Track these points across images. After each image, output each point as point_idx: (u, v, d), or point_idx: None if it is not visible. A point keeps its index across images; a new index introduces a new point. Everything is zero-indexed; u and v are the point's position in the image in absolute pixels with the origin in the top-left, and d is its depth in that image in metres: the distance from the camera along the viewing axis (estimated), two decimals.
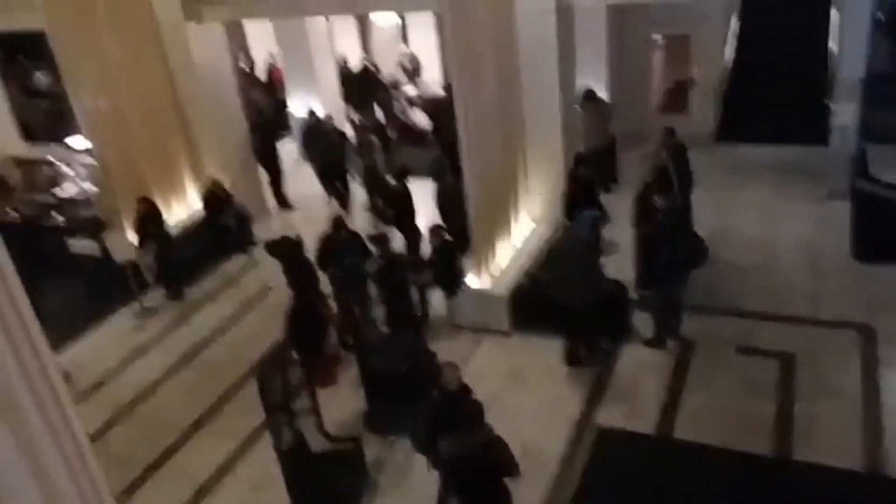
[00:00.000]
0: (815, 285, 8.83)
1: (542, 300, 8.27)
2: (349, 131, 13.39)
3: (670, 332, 8.13)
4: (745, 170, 11.62)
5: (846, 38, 10.75)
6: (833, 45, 11.53)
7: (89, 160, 10.75)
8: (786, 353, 7.75)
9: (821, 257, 9.33)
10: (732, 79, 12.47)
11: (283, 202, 12.91)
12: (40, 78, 17.61)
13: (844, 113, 10.59)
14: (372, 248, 8.50)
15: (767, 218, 10.41)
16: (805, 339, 7.92)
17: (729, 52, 12.58)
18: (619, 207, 9.51)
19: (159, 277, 10.49)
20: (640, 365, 7.96)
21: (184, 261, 10.64)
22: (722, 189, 10.97)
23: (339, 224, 8.78)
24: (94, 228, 11.01)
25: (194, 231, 11.29)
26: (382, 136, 13.20)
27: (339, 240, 8.65)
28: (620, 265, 8.89)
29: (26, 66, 18.53)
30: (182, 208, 11.57)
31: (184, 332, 9.77)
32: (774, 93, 11.91)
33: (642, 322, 8.33)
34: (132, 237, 10.44)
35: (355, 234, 8.90)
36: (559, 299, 7.75)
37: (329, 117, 12.87)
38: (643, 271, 8.60)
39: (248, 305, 10.10)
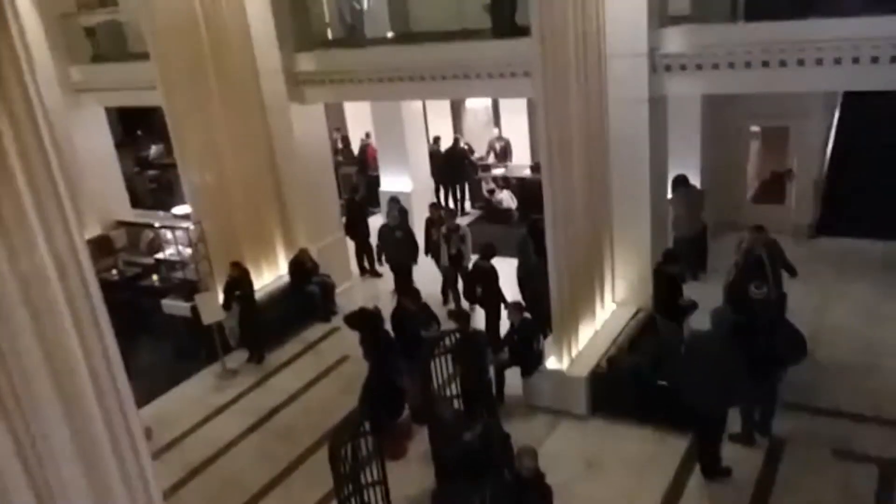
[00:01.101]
0: None
1: (623, 385, 7.99)
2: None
3: (760, 429, 7.65)
4: (846, 264, 11.10)
5: None
6: None
7: (189, 226, 11.31)
8: (887, 460, 7.17)
9: None
10: (834, 171, 12.09)
11: (370, 271, 13.22)
12: (154, 150, 18.94)
13: None
14: (452, 323, 8.47)
15: (870, 316, 9.81)
16: None
17: (831, 145, 12.25)
18: (708, 296, 9.16)
19: (242, 340, 10.77)
20: (727, 462, 7.47)
21: (266, 325, 10.89)
22: (821, 284, 10.47)
23: (411, 296, 8.85)
24: (187, 290, 11.46)
25: (280, 297, 11.59)
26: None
27: (409, 312, 8.68)
28: None
29: (142, 139, 20.00)
30: (271, 275, 11.94)
31: (261, 394, 9.91)
32: (879, 187, 11.44)
33: (731, 416, 7.87)
34: (221, 300, 10.80)
35: (425, 307, 8.92)
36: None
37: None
38: None
39: (325, 373, 10.19)
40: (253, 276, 11.09)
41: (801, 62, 8.04)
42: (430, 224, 11.82)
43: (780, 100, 11.18)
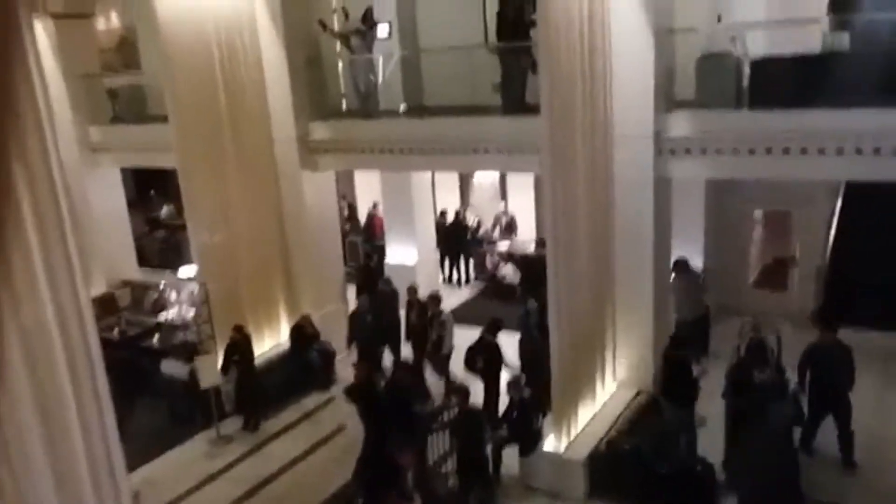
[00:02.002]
0: None
1: (622, 469, 7.82)
2: None
3: None
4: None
5: None
6: None
7: (194, 288, 11.34)
8: None
9: None
10: (836, 259, 12.12)
11: None
12: (165, 210, 19.17)
13: None
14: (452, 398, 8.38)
15: (877, 411, 9.63)
16: None
17: (833, 233, 12.33)
18: (710, 380, 9.08)
19: (238, 406, 10.64)
20: None
21: (264, 391, 10.77)
22: None
23: (403, 368, 8.80)
24: (187, 352, 11.39)
25: (279, 363, 11.50)
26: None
27: (403, 386, 8.62)
28: (710, 440, 8.38)
29: (154, 199, 20.28)
30: (272, 340, 11.88)
31: (255, 462, 9.72)
32: (880, 279, 11.45)
33: None
34: (219, 364, 10.72)
35: (421, 381, 8.85)
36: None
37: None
38: (729, 450, 8.09)
39: (321, 443, 10.01)
40: (254, 341, 11.03)
41: (804, 151, 8.20)
42: (410, 308, 11.47)
43: (783, 186, 11.32)
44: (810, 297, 12.21)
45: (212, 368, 10.27)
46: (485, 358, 9.75)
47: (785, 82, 8.57)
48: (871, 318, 11.10)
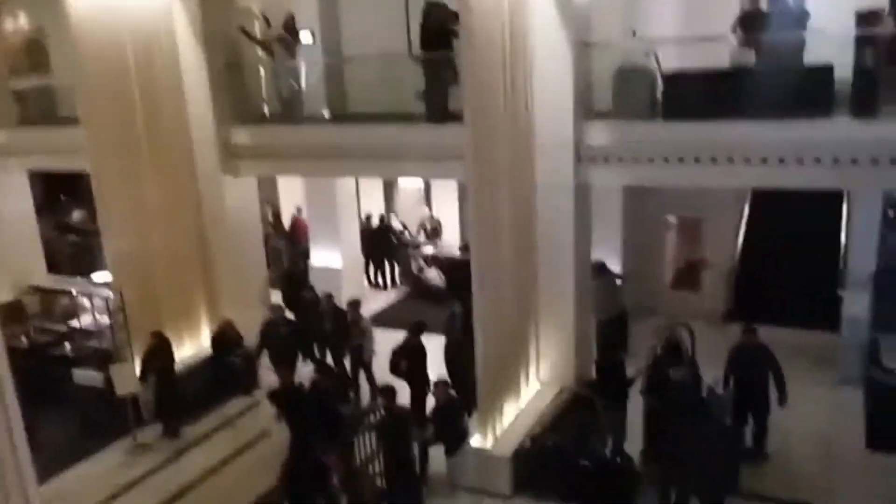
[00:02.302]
0: (829, 476, 8.52)
1: (546, 464, 8.05)
2: None
3: None
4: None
5: (856, 231, 11.12)
6: (843, 237, 11.92)
7: (108, 294, 10.98)
8: None
9: (835, 446, 9.08)
10: (744, 261, 12.78)
11: None
12: (76, 215, 18.44)
13: (855, 302, 10.73)
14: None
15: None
16: None
17: (741, 237, 12.99)
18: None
19: (157, 413, 10.36)
20: None
21: (184, 398, 10.51)
22: None
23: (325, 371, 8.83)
24: (101, 360, 11.03)
25: (200, 369, 11.23)
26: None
27: (324, 388, 8.66)
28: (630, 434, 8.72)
29: (65, 203, 19.48)
30: (193, 346, 11.61)
31: (174, 471, 9.49)
32: (786, 278, 12.14)
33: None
34: (137, 371, 10.43)
35: (341, 382, 8.88)
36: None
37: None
38: (647, 443, 8.42)
39: (243, 449, 9.86)
40: (174, 347, 10.76)
41: (714, 160, 8.64)
42: (325, 316, 11.29)
43: (695, 193, 11.86)
44: (721, 297, 12.82)
45: (128, 376, 9.98)
46: (409, 360, 9.83)
47: (696, 95, 8.97)
48: (777, 316, 11.74)
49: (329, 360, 11.20)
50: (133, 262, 10.97)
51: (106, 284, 11.87)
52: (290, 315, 11.68)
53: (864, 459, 8.85)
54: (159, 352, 10.32)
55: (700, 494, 7.60)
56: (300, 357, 11.04)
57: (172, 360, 10.56)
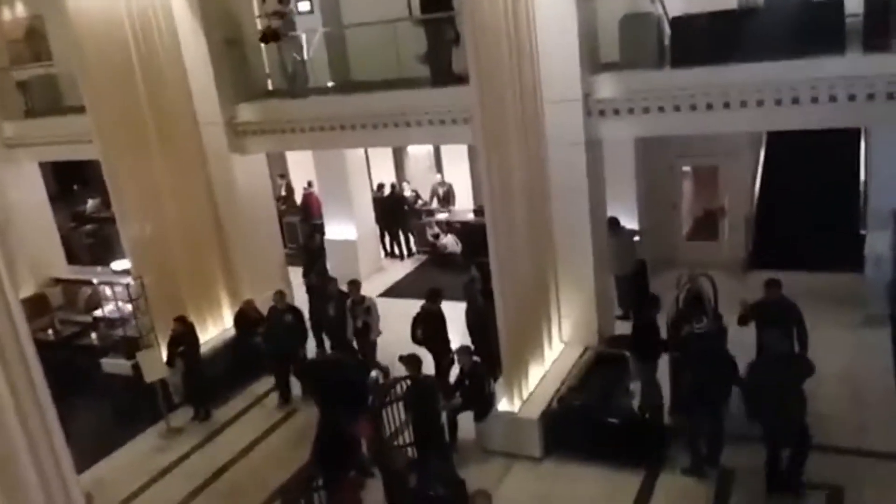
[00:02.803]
0: (859, 415, 8.49)
1: (575, 424, 8.07)
2: None
3: (709, 461, 7.80)
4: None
5: (876, 168, 10.91)
6: (863, 175, 11.70)
7: (129, 281, 11.06)
8: (833, 486, 7.40)
9: (864, 386, 9.02)
10: (762, 207, 12.59)
11: None
12: (91, 204, 18.53)
13: (878, 240, 10.57)
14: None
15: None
16: (852, 471, 7.58)
17: (758, 183, 12.79)
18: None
19: (187, 397, 10.50)
20: (679, 496, 7.62)
21: (212, 380, 10.63)
22: None
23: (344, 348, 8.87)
24: (128, 348, 11.16)
25: (225, 351, 11.35)
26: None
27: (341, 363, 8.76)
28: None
29: (78, 193, 19.57)
30: (216, 328, 11.71)
31: (208, 453, 9.65)
32: (805, 221, 11.97)
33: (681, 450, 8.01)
34: (164, 356, 10.54)
35: (355, 355, 8.92)
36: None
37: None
38: (674, 397, 8.39)
39: (274, 427, 9.99)
40: (198, 331, 10.85)
41: (726, 105, 8.46)
42: (328, 300, 10.90)
43: (709, 140, 11.65)
44: (741, 245, 12.66)
45: (156, 362, 10.10)
46: (425, 327, 9.85)
47: (704, 39, 8.79)
48: (799, 260, 11.60)
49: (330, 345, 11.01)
50: (150, 247, 11.03)
51: (126, 272, 11.96)
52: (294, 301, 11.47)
53: (894, 399, 8.77)
54: (184, 336, 10.41)
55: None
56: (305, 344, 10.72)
57: (198, 343, 10.66)
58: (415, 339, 9.81)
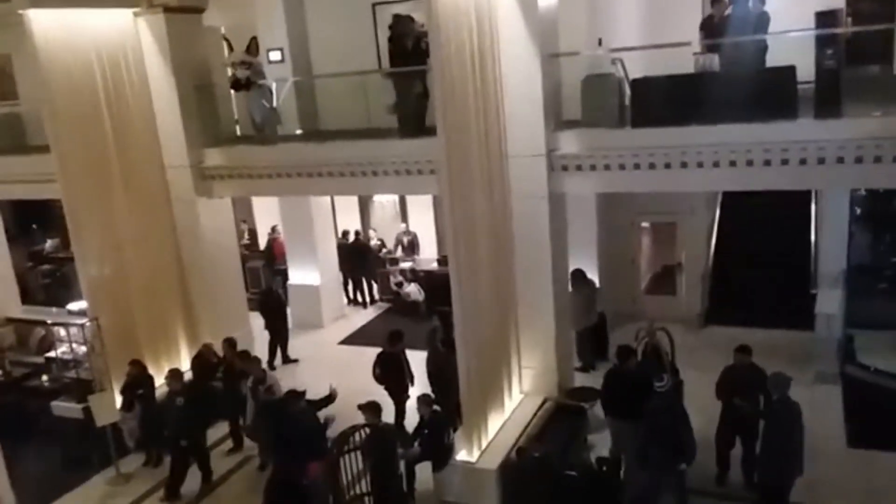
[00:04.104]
0: (810, 472, 8.59)
1: (533, 474, 8.05)
2: None
3: None
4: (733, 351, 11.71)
5: (826, 230, 11.32)
6: (814, 236, 12.13)
7: (85, 322, 10.86)
8: None
9: (815, 442, 9.14)
10: (718, 265, 12.94)
11: (284, 359, 13.25)
12: (49, 244, 18.23)
13: (828, 300, 10.91)
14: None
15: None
16: None
17: (714, 241, 13.16)
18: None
19: (141, 443, 10.25)
20: None
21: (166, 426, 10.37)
22: (711, 370, 10.97)
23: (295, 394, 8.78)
24: (79, 391, 10.88)
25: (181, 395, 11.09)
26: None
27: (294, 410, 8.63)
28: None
29: (36, 232, 19.23)
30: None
31: (158, 501, 9.36)
32: (759, 280, 12.32)
33: None
34: (118, 401, 10.31)
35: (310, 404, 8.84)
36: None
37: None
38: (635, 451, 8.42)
39: (228, 475, 9.79)
40: (154, 373, 10.65)
41: (684, 164, 8.75)
42: (237, 376, 9.96)
43: (667, 198, 12.01)
44: (697, 301, 12.96)
45: (108, 405, 9.86)
46: (384, 368, 9.93)
47: (663, 101, 9.11)
48: (752, 317, 11.91)
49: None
50: (108, 289, 10.88)
51: (82, 313, 11.74)
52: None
53: (844, 455, 8.98)
54: (139, 380, 10.21)
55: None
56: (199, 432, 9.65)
57: (153, 388, 10.44)
58: (375, 377, 9.95)
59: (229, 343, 10.63)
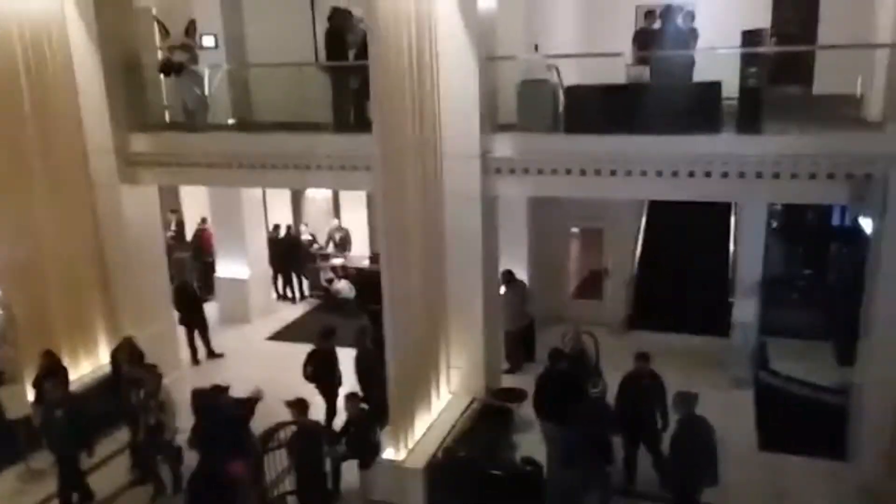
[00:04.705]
0: (722, 473, 8.93)
1: (459, 474, 8.12)
2: None
3: None
4: (654, 356, 12.05)
5: (744, 241, 11.79)
6: (732, 247, 12.61)
7: None
8: None
9: (727, 445, 9.50)
10: (642, 271, 13.31)
11: (208, 354, 12.98)
12: None
13: (744, 308, 11.37)
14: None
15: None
16: None
17: (639, 248, 13.54)
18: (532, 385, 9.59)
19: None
20: None
21: (83, 421, 10.00)
22: None
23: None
24: None
25: (98, 389, 10.73)
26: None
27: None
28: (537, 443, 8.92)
29: None
30: (90, 364, 11.10)
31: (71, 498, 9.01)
32: (680, 287, 12.74)
33: None
34: (30, 393, 9.88)
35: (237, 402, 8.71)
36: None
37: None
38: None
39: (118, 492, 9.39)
40: (69, 365, 10.25)
41: (613, 172, 9.00)
42: (129, 385, 9.40)
43: (596, 204, 12.30)
44: (622, 306, 13.31)
45: (20, 397, 9.45)
46: (316, 365, 9.83)
47: (595, 109, 9.32)
48: (673, 322, 12.30)
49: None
50: (22, 275, 10.39)
51: None
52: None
53: (755, 458, 9.38)
54: (52, 372, 9.77)
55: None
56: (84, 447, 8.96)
57: (67, 380, 10.03)
58: (305, 376, 9.80)
59: (128, 343, 10.05)
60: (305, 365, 9.90)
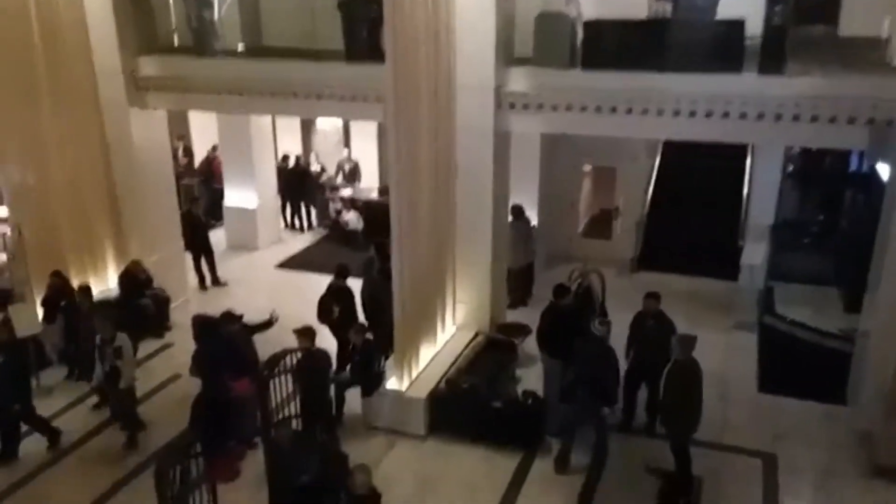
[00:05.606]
0: (722, 413, 9.07)
1: (460, 406, 8.25)
2: None
3: (599, 452, 8.05)
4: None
5: (758, 185, 11.65)
6: (745, 189, 12.47)
7: (5, 230, 10.41)
8: (693, 476, 7.83)
9: (728, 386, 9.64)
10: (653, 213, 13.22)
11: (214, 282, 12.98)
12: None
13: (754, 252, 11.31)
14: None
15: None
16: (711, 464, 8.08)
17: (651, 188, 13.41)
18: (534, 322, 9.58)
19: (64, 356, 10.01)
20: (551, 479, 7.95)
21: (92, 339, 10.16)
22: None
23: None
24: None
25: (107, 311, 10.82)
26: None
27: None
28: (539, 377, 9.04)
29: None
30: (99, 286, 11.18)
31: (80, 414, 9.24)
32: (691, 229, 12.66)
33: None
34: (39, 312, 10.01)
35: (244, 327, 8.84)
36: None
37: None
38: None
39: (154, 391, 9.67)
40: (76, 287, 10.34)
41: (629, 111, 8.82)
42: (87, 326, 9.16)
43: (610, 143, 12.10)
44: (631, 246, 13.26)
45: (29, 316, 9.57)
46: (340, 304, 9.72)
47: (614, 44, 9.09)
48: (682, 265, 12.27)
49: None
50: (32, 196, 10.43)
51: (3, 220, 11.24)
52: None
53: (754, 399, 9.46)
54: (62, 292, 9.92)
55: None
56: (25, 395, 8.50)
57: (75, 301, 10.15)
58: (326, 320, 9.54)
59: (134, 267, 10.27)
60: (328, 306, 9.55)
